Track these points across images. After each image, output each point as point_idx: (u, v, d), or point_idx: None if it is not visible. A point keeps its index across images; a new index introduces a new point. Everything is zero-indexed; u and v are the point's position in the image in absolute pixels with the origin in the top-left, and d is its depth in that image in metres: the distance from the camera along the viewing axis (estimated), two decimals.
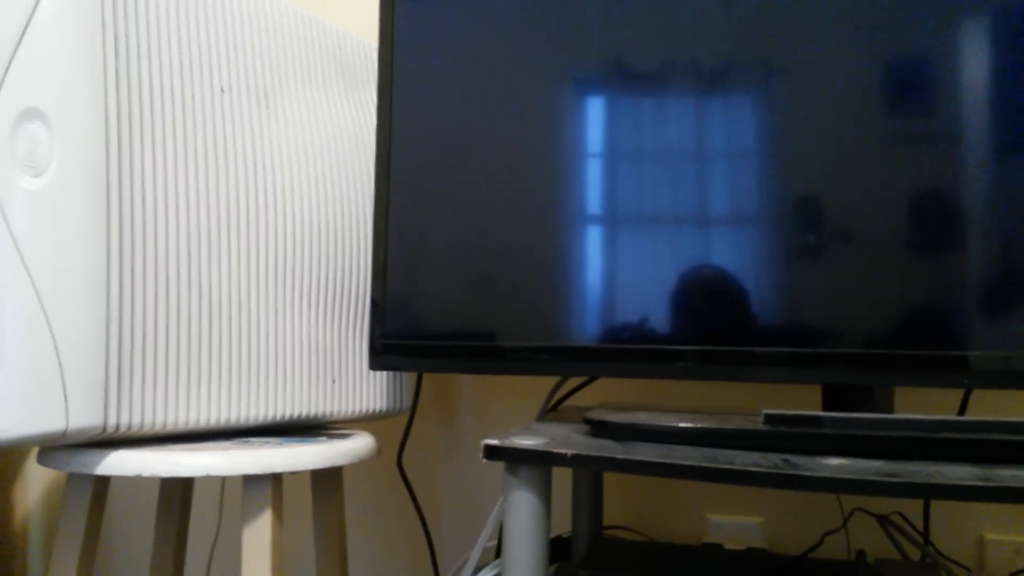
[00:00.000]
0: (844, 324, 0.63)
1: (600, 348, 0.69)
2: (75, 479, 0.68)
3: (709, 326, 0.66)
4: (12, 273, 0.55)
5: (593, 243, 0.70)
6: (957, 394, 0.85)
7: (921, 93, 0.63)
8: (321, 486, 0.80)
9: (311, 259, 0.77)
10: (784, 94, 0.65)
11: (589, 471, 0.86)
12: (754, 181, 0.66)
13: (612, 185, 0.69)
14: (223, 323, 0.69)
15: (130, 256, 0.62)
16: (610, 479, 0.97)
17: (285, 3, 0.77)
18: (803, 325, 0.64)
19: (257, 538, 0.66)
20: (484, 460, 0.58)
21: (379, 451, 0.94)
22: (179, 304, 0.65)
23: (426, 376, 1.05)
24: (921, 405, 0.86)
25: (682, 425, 0.62)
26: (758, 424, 0.60)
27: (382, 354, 0.76)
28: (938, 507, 0.86)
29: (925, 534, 0.83)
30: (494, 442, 0.59)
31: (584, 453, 0.56)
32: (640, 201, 0.68)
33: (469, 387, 1.04)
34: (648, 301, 0.68)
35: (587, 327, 0.69)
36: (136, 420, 0.62)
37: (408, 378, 0.90)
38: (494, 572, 0.80)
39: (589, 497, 0.85)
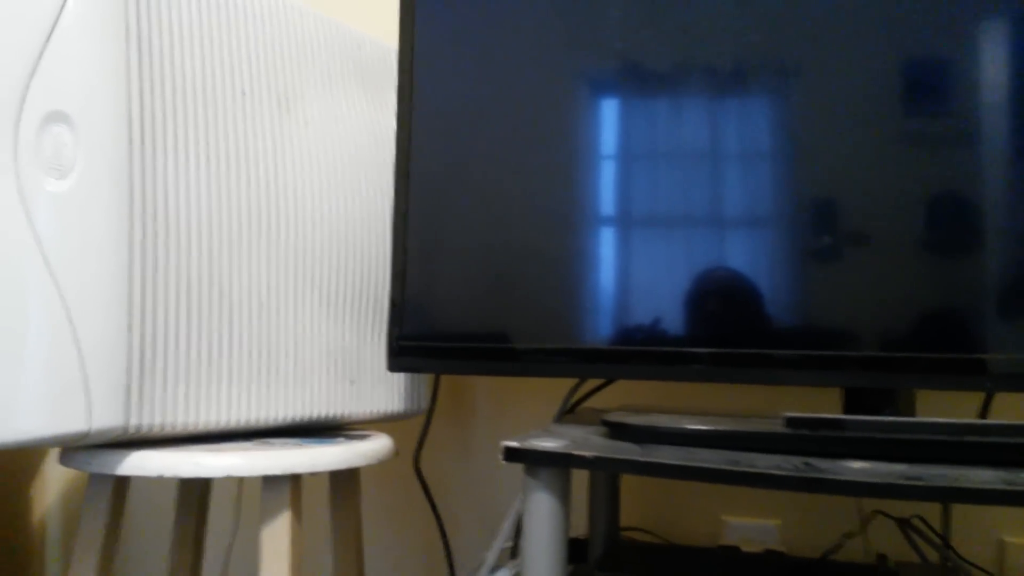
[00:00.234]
0: (863, 326, 0.63)
1: (616, 350, 0.69)
2: (96, 479, 0.69)
3: (726, 328, 0.66)
4: (36, 274, 0.55)
5: (610, 245, 0.69)
6: (978, 398, 0.84)
7: (938, 94, 0.62)
8: (339, 487, 0.80)
9: (331, 261, 0.77)
10: (801, 95, 0.65)
11: (606, 473, 0.85)
12: (772, 182, 0.65)
13: (628, 187, 0.69)
14: (243, 324, 0.69)
15: (152, 258, 0.62)
16: (627, 481, 0.96)
17: (305, 6, 0.78)
18: (821, 327, 0.64)
19: (276, 539, 0.67)
20: (504, 462, 0.58)
21: (397, 452, 0.94)
22: (200, 305, 0.66)
23: (443, 378, 1.05)
24: (942, 409, 0.86)
25: (702, 428, 0.61)
26: (779, 427, 0.60)
27: (400, 356, 0.76)
28: (957, 510, 0.85)
29: (945, 537, 0.82)
30: (514, 444, 0.59)
31: (605, 455, 0.56)
32: (656, 203, 0.68)
33: (485, 389, 1.04)
34: (665, 303, 0.68)
35: (603, 329, 0.69)
36: (157, 421, 0.62)
37: (425, 379, 0.90)
38: (510, 573, 0.80)
39: (606, 499, 0.85)
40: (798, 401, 0.90)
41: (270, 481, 0.67)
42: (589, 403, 0.96)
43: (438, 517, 0.97)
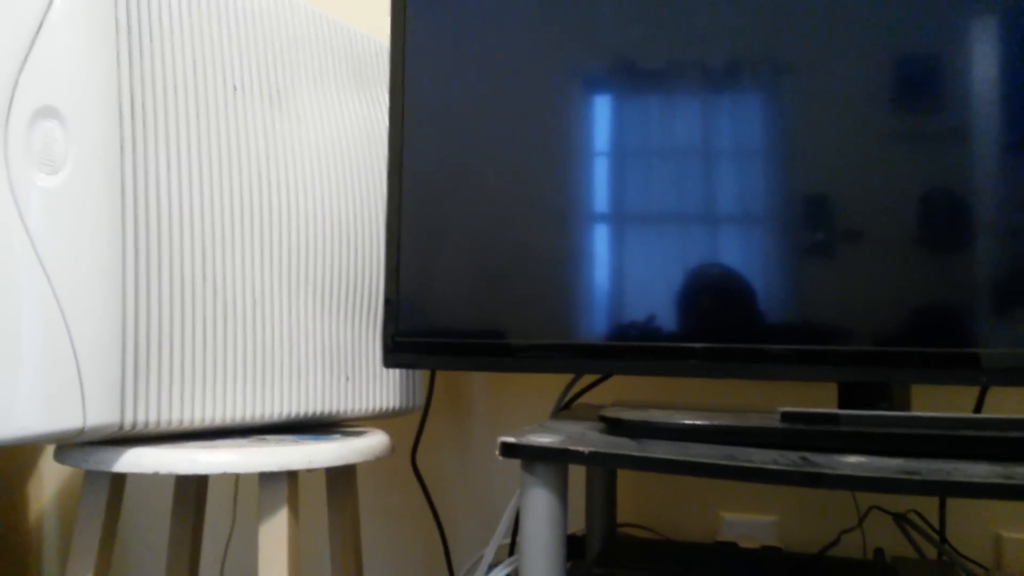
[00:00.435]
0: (858, 321, 0.63)
1: (612, 346, 0.69)
2: (92, 477, 0.69)
3: (721, 324, 0.66)
4: (29, 271, 0.55)
5: (605, 241, 0.69)
6: (973, 393, 0.85)
7: (930, 90, 0.62)
8: (336, 484, 0.80)
9: (325, 257, 0.77)
10: (793, 92, 0.65)
11: (603, 469, 0.85)
12: (766, 178, 0.65)
13: (623, 183, 0.69)
14: (238, 321, 0.69)
15: (145, 254, 0.62)
16: (624, 477, 0.96)
17: (297, 1, 0.77)
18: (816, 323, 0.64)
19: (274, 535, 0.66)
20: (500, 457, 0.58)
21: (393, 449, 0.94)
22: (194, 302, 0.65)
23: (439, 374, 1.05)
24: (937, 403, 0.86)
25: (698, 423, 0.61)
26: (775, 422, 0.60)
27: (395, 352, 0.76)
28: (954, 505, 0.85)
29: (941, 532, 0.82)
30: (511, 440, 0.58)
31: (601, 451, 0.56)
32: (651, 199, 0.68)
33: (482, 385, 1.03)
34: (661, 299, 0.67)
35: (599, 325, 0.69)
36: (152, 417, 0.62)
37: (421, 376, 0.90)
38: (508, 569, 0.80)
39: (603, 495, 0.85)
40: (794, 397, 0.90)
41: (267, 478, 0.67)
42: (585, 399, 0.96)
43: (435, 514, 0.97)
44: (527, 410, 1.01)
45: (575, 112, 0.71)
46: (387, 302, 0.76)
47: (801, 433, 0.59)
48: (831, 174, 0.64)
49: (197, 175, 0.66)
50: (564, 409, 0.86)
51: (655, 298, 0.68)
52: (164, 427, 0.63)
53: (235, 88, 0.70)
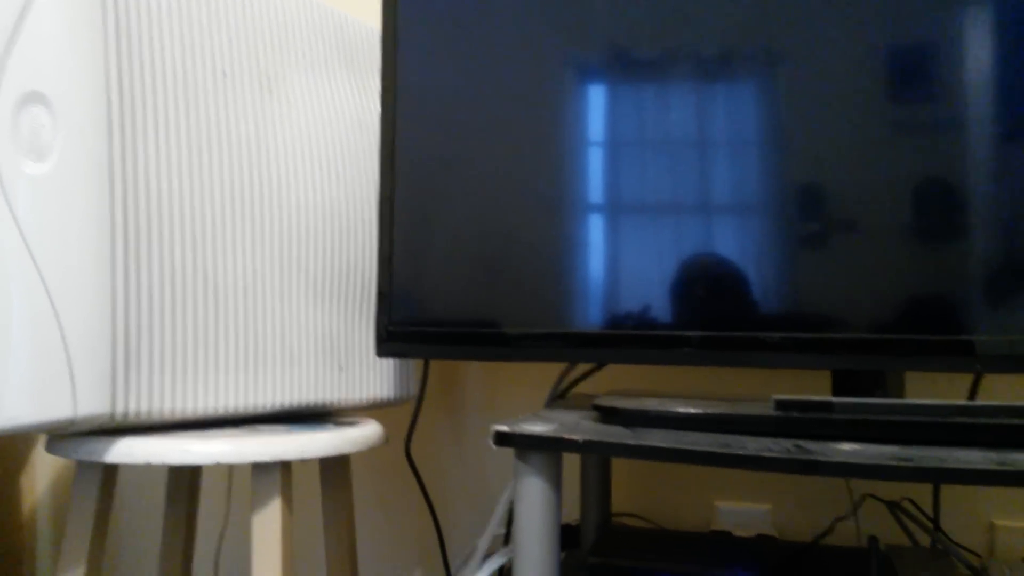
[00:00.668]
0: (852, 310, 0.62)
1: (606, 334, 0.68)
2: (84, 467, 0.68)
3: (716, 312, 0.65)
4: (17, 259, 0.54)
5: (599, 230, 0.69)
6: (966, 381, 0.85)
7: (925, 80, 0.62)
8: (329, 474, 0.80)
9: (317, 246, 0.77)
10: (788, 82, 0.65)
11: (598, 458, 0.85)
12: (760, 167, 0.65)
13: (617, 172, 0.69)
14: (229, 310, 0.68)
15: (135, 242, 0.61)
16: (618, 466, 0.96)
17: None
18: (811, 311, 0.63)
19: (267, 526, 0.66)
20: (494, 446, 0.58)
21: (387, 439, 0.94)
22: (185, 291, 0.65)
23: (433, 364, 1.04)
24: (931, 392, 0.86)
25: (693, 411, 0.61)
26: (769, 410, 0.60)
27: (389, 341, 0.75)
28: (948, 493, 0.86)
29: (935, 520, 0.83)
30: (504, 428, 0.58)
31: (595, 439, 0.56)
32: (646, 188, 0.68)
33: (476, 375, 1.03)
34: (655, 288, 0.67)
35: (593, 314, 0.69)
36: (144, 407, 0.62)
37: (415, 366, 0.90)
38: (503, 559, 0.80)
39: (597, 484, 0.85)
40: (788, 386, 0.90)
41: (260, 468, 0.67)
42: (580, 389, 0.96)
43: (430, 504, 0.97)
44: (522, 400, 1.01)
45: (569, 99, 0.70)
46: (380, 290, 0.76)
47: (795, 421, 0.59)
48: (825, 163, 0.64)
49: (187, 161, 0.65)
50: (559, 399, 0.86)
51: (649, 287, 0.67)
52: (156, 417, 0.63)
53: (224, 74, 0.69)
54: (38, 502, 1.17)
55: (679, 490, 0.94)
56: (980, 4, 0.61)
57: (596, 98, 0.70)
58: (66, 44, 0.57)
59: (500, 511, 0.78)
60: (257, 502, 0.66)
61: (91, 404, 0.58)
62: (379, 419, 1.06)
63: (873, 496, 0.87)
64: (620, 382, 0.96)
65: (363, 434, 0.73)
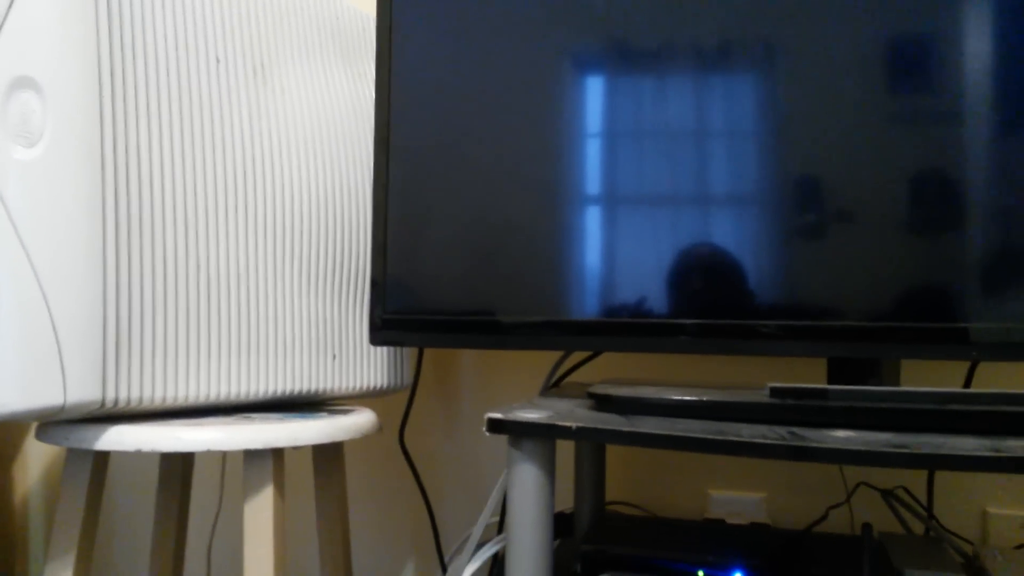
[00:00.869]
0: (847, 298, 0.62)
1: (602, 322, 0.68)
2: (74, 455, 0.68)
3: (712, 301, 0.65)
4: (7, 245, 0.54)
5: (595, 218, 0.69)
6: (962, 370, 0.85)
7: (921, 71, 0.62)
8: (323, 463, 0.80)
9: (311, 233, 0.76)
10: (785, 73, 0.64)
11: (592, 446, 0.85)
12: (757, 157, 0.65)
13: (613, 161, 0.68)
14: (222, 297, 0.68)
15: (126, 228, 0.61)
16: (612, 455, 0.96)
17: None
18: (806, 299, 0.63)
19: (259, 514, 0.66)
20: (487, 434, 0.58)
21: (380, 427, 0.94)
22: (177, 278, 0.64)
23: (427, 353, 1.04)
24: (926, 381, 0.86)
25: (687, 398, 0.61)
26: (764, 398, 0.60)
27: (383, 329, 0.75)
28: (942, 481, 0.86)
29: (929, 508, 0.83)
30: (497, 415, 0.58)
31: (588, 426, 0.56)
32: (642, 177, 0.68)
33: (470, 364, 1.03)
34: (651, 276, 0.67)
35: (588, 302, 0.69)
36: (135, 395, 0.61)
37: (409, 354, 0.89)
38: (497, 547, 0.80)
39: (592, 473, 0.85)
40: (784, 375, 0.90)
41: (252, 456, 0.66)
42: (575, 378, 0.96)
43: (424, 492, 0.97)
44: (516, 389, 1.01)
45: (565, 87, 0.70)
46: (374, 278, 0.76)
47: (790, 408, 0.59)
48: (821, 153, 0.63)
49: (179, 148, 0.65)
50: (553, 387, 0.86)
51: (645, 276, 0.67)
52: (147, 405, 0.63)
53: (218, 60, 0.68)
54: (30, 490, 1.17)
55: (673, 479, 0.94)
56: None
57: (592, 86, 0.69)
58: (56, 29, 0.56)
59: (493, 499, 0.78)
60: (249, 490, 0.66)
61: (81, 391, 0.57)
62: (373, 408, 1.06)
63: (867, 484, 0.87)
64: (615, 372, 0.96)
65: (356, 422, 0.72)
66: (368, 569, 1.07)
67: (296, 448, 0.66)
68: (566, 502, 0.96)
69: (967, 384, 0.81)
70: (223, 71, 0.69)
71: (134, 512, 1.15)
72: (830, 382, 0.66)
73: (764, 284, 0.64)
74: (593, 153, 0.69)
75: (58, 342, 0.56)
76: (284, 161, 0.74)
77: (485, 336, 0.71)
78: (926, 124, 0.62)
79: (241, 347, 0.69)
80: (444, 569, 0.98)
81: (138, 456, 1.14)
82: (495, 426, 0.58)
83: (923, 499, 0.85)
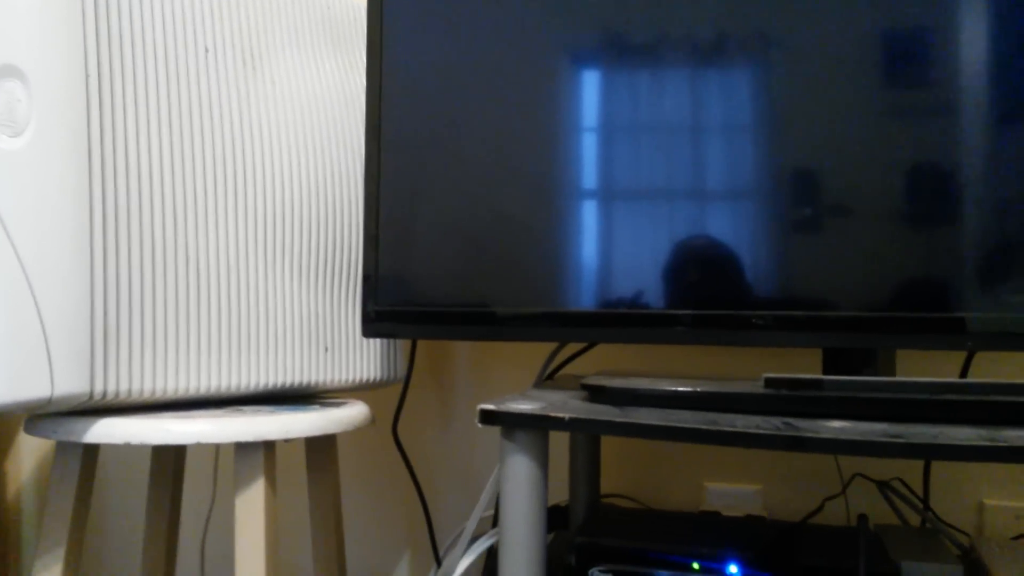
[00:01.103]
0: (843, 289, 0.62)
1: (596, 314, 0.68)
2: (63, 448, 0.67)
3: (707, 291, 0.65)
4: None
5: (590, 209, 0.68)
6: (957, 361, 0.84)
7: (916, 64, 0.61)
8: (315, 456, 0.79)
9: (302, 224, 0.75)
10: (781, 66, 0.64)
11: (586, 438, 0.85)
12: (754, 150, 0.64)
13: (609, 152, 0.68)
14: (211, 289, 0.67)
15: (114, 219, 0.60)
16: (607, 447, 0.96)
17: None
18: (802, 290, 0.63)
19: (250, 506, 0.65)
20: (480, 425, 0.57)
21: (373, 419, 0.93)
22: (165, 269, 0.64)
23: (421, 346, 1.03)
24: (922, 371, 0.86)
25: (681, 389, 0.60)
26: (758, 388, 0.59)
27: (375, 321, 0.74)
28: (938, 473, 0.85)
29: (925, 500, 0.82)
30: (490, 407, 0.57)
31: (582, 417, 0.55)
32: (638, 169, 0.67)
33: (464, 357, 1.02)
34: (645, 267, 0.66)
35: (583, 294, 0.68)
36: (124, 387, 0.61)
37: (402, 347, 0.89)
38: (491, 541, 0.79)
39: (586, 465, 0.84)
40: (779, 366, 0.90)
41: (243, 448, 0.66)
42: (569, 370, 0.95)
43: (418, 486, 0.96)
44: (510, 382, 1.00)
45: (560, 77, 0.69)
46: (366, 269, 0.75)
47: (785, 399, 0.58)
48: (817, 145, 0.63)
49: (167, 138, 0.64)
50: (547, 380, 0.85)
51: (641, 268, 0.67)
52: (136, 397, 0.62)
53: (207, 50, 0.68)
54: (23, 484, 1.16)
55: (669, 471, 0.94)
56: None
57: (588, 77, 0.69)
58: (41, 17, 0.56)
59: (487, 493, 0.77)
60: (240, 483, 0.66)
61: (69, 383, 0.57)
62: (366, 401, 1.05)
63: (863, 476, 0.86)
64: (610, 364, 0.96)
65: (349, 415, 0.72)
66: (362, 563, 1.06)
67: (288, 440, 0.66)
68: (561, 495, 0.96)
69: (963, 375, 0.81)
70: (212, 61, 0.68)
71: (127, 507, 1.14)
72: (825, 373, 0.66)
73: (759, 275, 0.64)
74: (588, 143, 0.68)
75: (45, 334, 0.55)
76: (275, 152, 0.73)
77: (479, 327, 0.71)
78: (922, 115, 0.61)
79: (232, 339, 0.69)
80: (439, 563, 0.98)
81: (130, 450, 1.13)
82: (487, 417, 0.57)
83: (919, 491, 0.84)
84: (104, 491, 1.15)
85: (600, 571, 0.67)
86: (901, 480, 0.85)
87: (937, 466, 0.85)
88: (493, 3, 0.71)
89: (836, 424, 0.54)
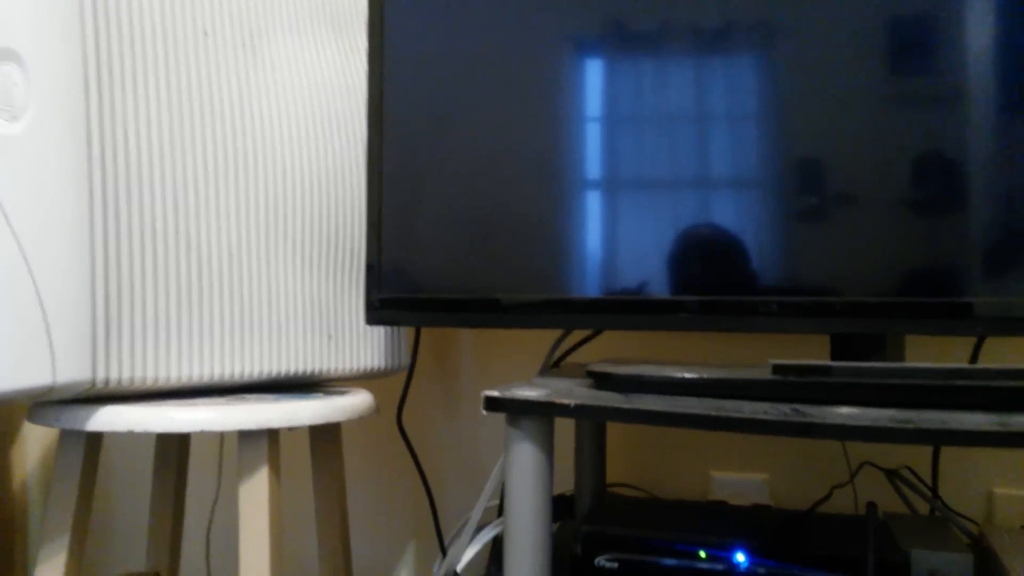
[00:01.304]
0: (851, 275, 0.61)
1: (601, 300, 0.67)
2: (67, 436, 0.67)
3: (713, 278, 0.64)
4: None
5: (595, 197, 0.67)
6: (967, 346, 0.83)
7: (922, 52, 0.60)
8: (320, 444, 0.79)
9: (304, 211, 0.75)
10: (786, 54, 0.63)
11: (592, 426, 0.84)
12: (760, 138, 0.63)
13: (614, 140, 0.67)
14: (213, 276, 0.67)
15: (114, 205, 0.60)
16: (613, 436, 0.95)
17: None
18: (809, 276, 0.62)
19: (254, 495, 0.65)
20: (484, 412, 0.57)
21: (378, 408, 0.93)
22: (167, 255, 0.63)
23: (425, 334, 1.03)
24: (931, 357, 0.85)
25: (687, 375, 0.60)
26: (766, 375, 0.59)
27: (379, 309, 0.74)
28: (946, 461, 0.85)
29: (934, 488, 0.82)
30: (494, 394, 0.57)
31: (587, 403, 0.55)
32: (644, 157, 0.66)
33: (469, 345, 1.02)
34: (651, 254, 0.66)
35: (588, 280, 0.67)
36: (126, 375, 0.60)
37: (406, 335, 0.88)
38: (497, 530, 0.79)
39: (592, 454, 0.84)
40: (787, 353, 0.89)
41: (247, 436, 0.65)
42: (574, 358, 0.95)
43: (423, 475, 0.96)
44: (515, 370, 1.00)
45: (564, 62, 0.68)
46: (369, 257, 0.74)
47: (792, 385, 0.57)
48: (824, 133, 0.62)
49: (167, 123, 0.64)
50: (553, 368, 0.85)
51: (647, 254, 0.66)
52: (139, 385, 0.62)
53: (206, 33, 0.67)
54: (28, 474, 1.16)
55: (675, 460, 0.93)
56: None
57: (592, 62, 0.68)
58: (39, 0, 0.55)
59: (492, 482, 0.77)
60: (244, 471, 0.65)
61: (71, 371, 0.56)
62: (371, 389, 1.05)
63: (871, 464, 0.86)
64: (615, 353, 0.95)
65: (353, 403, 0.71)
66: (367, 552, 1.06)
67: (291, 429, 0.65)
68: (567, 484, 0.95)
69: (973, 360, 0.80)
70: (211, 44, 0.67)
71: (132, 496, 1.14)
72: (833, 359, 0.65)
73: (766, 261, 0.63)
74: (593, 129, 0.68)
75: (46, 321, 0.55)
76: (276, 137, 0.72)
77: (483, 315, 0.70)
78: (928, 101, 0.60)
79: (234, 327, 0.68)
80: (444, 552, 0.97)
81: (134, 439, 1.13)
82: (492, 404, 0.57)
83: (928, 479, 0.84)
84: (109, 480, 1.15)
85: (606, 560, 0.67)
86: (910, 468, 0.84)
87: (946, 454, 0.84)
88: None
89: (845, 410, 0.53)
